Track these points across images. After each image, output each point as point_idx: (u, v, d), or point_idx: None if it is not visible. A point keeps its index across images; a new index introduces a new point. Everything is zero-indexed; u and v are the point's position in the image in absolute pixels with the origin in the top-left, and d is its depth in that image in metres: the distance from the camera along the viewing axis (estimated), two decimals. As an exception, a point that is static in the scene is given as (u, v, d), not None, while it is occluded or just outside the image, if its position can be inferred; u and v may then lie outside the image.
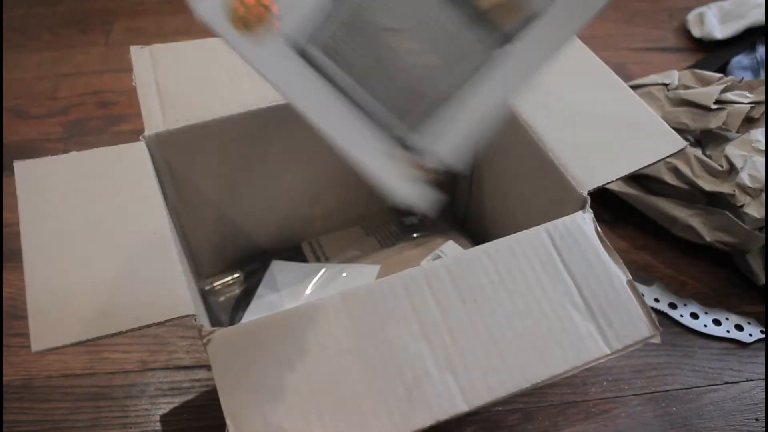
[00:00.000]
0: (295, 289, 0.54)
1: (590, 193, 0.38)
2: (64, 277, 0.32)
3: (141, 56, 0.46)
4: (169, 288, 0.32)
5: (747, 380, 0.51)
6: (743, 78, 0.61)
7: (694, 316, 0.55)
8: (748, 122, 0.58)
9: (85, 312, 0.30)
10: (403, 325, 0.33)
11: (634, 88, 0.62)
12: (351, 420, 0.31)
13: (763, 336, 0.53)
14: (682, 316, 0.55)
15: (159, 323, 0.30)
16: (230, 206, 0.51)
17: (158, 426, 0.49)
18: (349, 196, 0.57)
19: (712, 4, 0.87)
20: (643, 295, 0.36)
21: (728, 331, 0.54)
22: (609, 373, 0.51)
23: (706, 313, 0.55)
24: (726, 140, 0.57)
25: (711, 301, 0.56)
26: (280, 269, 0.56)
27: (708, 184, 0.55)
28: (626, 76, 0.72)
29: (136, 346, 0.53)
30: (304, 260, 0.57)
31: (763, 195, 0.53)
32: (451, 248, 0.54)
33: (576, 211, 0.38)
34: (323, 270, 0.55)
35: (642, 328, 0.35)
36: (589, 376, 0.51)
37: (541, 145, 0.42)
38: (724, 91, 0.59)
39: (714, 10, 0.85)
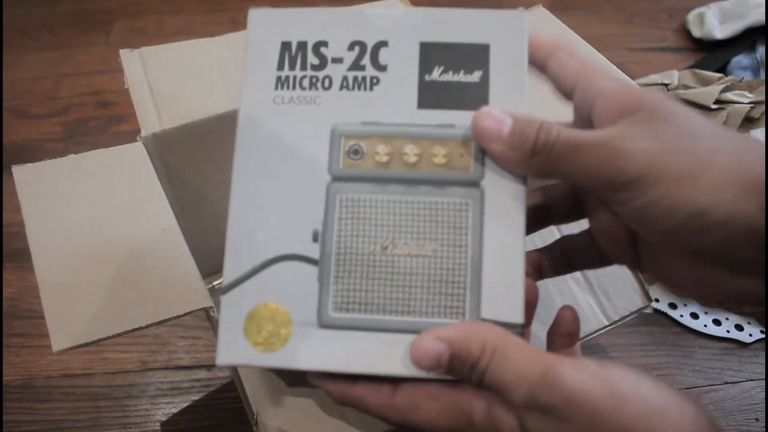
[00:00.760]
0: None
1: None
2: (77, 276, 0.32)
3: (131, 59, 0.46)
4: (184, 282, 0.32)
5: (747, 380, 0.51)
6: (743, 78, 0.61)
7: (694, 316, 0.55)
8: (748, 122, 0.58)
9: (102, 310, 0.30)
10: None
11: (634, 88, 0.62)
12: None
13: (763, 336, 0.53)
14: (682, 316, 0.55)
15: (178, 316, 0.30)
16: (227, 205, 0.51)
17: (158, 426, 0.49)
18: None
19: (712, 4, 0.87)
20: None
21: (728, 331, 0.54)
22: (609, 373, 0.51)
23: (706, 313, 0.55)
24: (726, 140, 0.57)
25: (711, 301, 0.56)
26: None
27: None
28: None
29: (136, 346, 0.53)
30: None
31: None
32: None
33: None
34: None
35: (636, 299, 0.37)
36: (589, 376, 0.51)
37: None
38: (724, 91, 0.59)
39: (714, 10, 0.85)
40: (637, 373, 0.24)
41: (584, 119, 0.26)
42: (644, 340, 0.53)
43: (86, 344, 0.28)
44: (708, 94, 0.58)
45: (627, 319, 0.37)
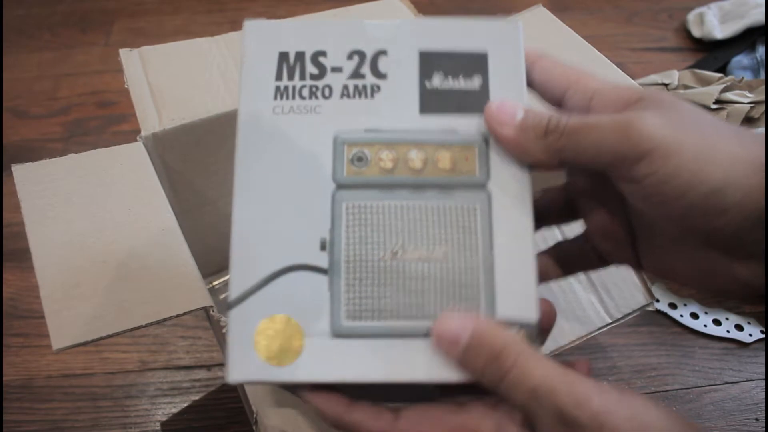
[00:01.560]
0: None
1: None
2: (77, 276, 0.32)
3: (131, 59, 0.46)
4: (185, 281, 0.32)
5: (747, 380, 0.51)
6: (743, 78, 0.61)
7: (694, 316, 0.55)
8: (748, 122, 0.58)
9: (102, 309, 0.30)
10: None
11: (634, 88, 0.62)
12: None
13: (763, 336, 0.53)
14: (682, 316, 0.55)
15: (178, 316, 0.30)
16: (227, 204, 0.51)
17: (158, 426, 0.49)
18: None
19: (712, 4, 0.87)
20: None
21: (728, 331, 0.54)
22: (609, 373, 0.51)
23: (706, 313, 0.55)
24: (726, 140, 0.57)
25: (711, 301, 0.56)
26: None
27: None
28: (626, 76, 0.72)
29: (136, 346, 0.53)
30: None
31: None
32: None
33: None
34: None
35: (638, 297, 0.37)
36: (589, 376, 0.51)
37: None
38: (724, 90, 0.59)
39: (714, 10, 0.85)
40: (652, 402, 0.23)
41: None
42: (644, 340, 0.53)
43: (86, 343, 0.28)
44: (708, 94, 0.58)
45: (630, 317, 0.37)
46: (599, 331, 0.36)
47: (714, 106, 0.58)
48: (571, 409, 0.22)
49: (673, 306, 0.55)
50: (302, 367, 0.25)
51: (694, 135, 0.22)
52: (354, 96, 0.27)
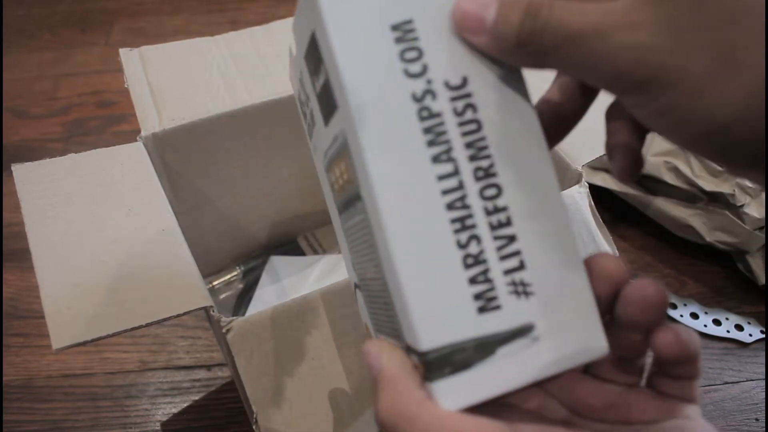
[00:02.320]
0: (298, 281, 0.54)
1: (590, 189, 0.39)
2: (77, 276, 0.32)
3: (131, 58, 0.46)
4: (184, 281, 0.32)
5: (747, 380, 0.51)
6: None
7: (694, 316, 0.55)
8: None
9: (102, 308, 0.30)
10: None
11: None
12: (370, 402, 0.31)
13: (763, 336, 0.53)
14: (682, 316, 0.55)
15: (178, 315, 0.30)
16: (227, 204, 0.51)
17: (158, 426, 0.49)
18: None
19: (712, 4, 0.87)
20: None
21: (728, 331, 0.54)
22: (609, 373, 0.51)
23: (706, 313, 0.55)
24: (726, 140, 0.57)
25: (711, 301, 0.56)
26: (279, 263, 0.56)
27: (708, 184, 0.55)
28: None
29: (136, 346, 0.53)
30: (302, 254, 0.57)
31: (763, 195, 0.53)
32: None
33: (571, 185, 0.39)
34: (323, 260, 0.55)
35: None
36: (589, 376, 0.51)
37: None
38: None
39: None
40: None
41: None
42: (644, 340, 0.53)
43: (86, 342, 0.28)
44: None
45: None
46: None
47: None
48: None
49: (673, 306, 0.55)
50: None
51: (708, 50, 0.17)
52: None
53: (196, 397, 0.50)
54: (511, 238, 0.21)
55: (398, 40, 0.20)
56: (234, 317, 0.31)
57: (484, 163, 0.21)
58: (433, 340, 0.20)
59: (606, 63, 0.18)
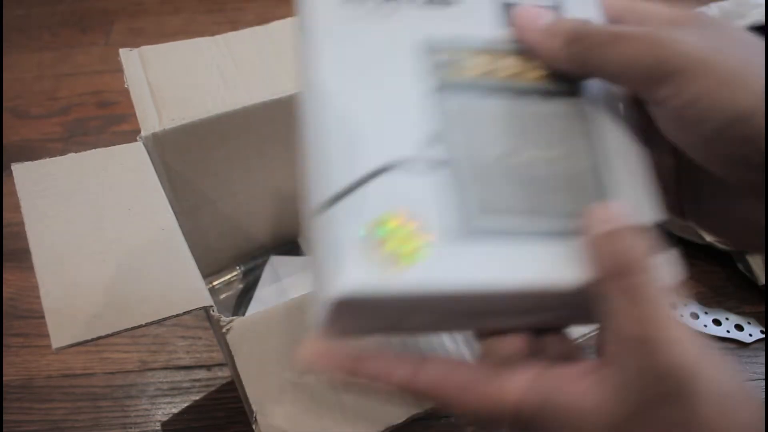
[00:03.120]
0: (298, 281, 0.54)
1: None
2: (77, 275, 0.32)
3: (131, 58, 0.46)
4: (184, 281, 0.32)
5: (747, 380, 0.51)
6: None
7: (694, 316, 0.55)
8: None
9: (101, 308, 0.30)
10: None
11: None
12: (372, 400, 0.31)
13: (763, 336, 0.53)
14: (682, 316, 0.54)
15: (178, 315, 0.30)
16: (227, 204, 0.51)
17: (158, 426, 0.49)
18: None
19: (712, 4, 0.87)
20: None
21: (728, 331, 0.54)
22: (609, 373, 0.51)
23: (706, 313, 0.55)
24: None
25: (711, 301, 0.56)
26: (279, 263, 0.56)
27: (708, 184, 0.55)
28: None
29: (136, 346, 0.53)
30: (302, 253, 0.57)
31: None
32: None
33: None
34: (323, 262, 0.55)
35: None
36: (589, 376, 0.51)
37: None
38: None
39: (714, 9, 0.85)
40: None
41: None
42: (644, 340, 0.53)
43: (86, 342, 0.28)
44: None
45: None
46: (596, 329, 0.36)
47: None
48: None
49: (672, 306, 0.55)
50: (426, 273, 0.20)
51: (729, 56, 0.21)
52: (432, 3, 0.25)
53: (196, 397, 0.50)
54: None
55: None
56: (234, 317, 0.31)
57: None
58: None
59: (647, 54, 0.21)
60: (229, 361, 0.33)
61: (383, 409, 0.31)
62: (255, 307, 0.53)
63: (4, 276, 0.58)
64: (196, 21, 0.90)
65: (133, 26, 0.89)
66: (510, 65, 0.25)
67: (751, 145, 0.20)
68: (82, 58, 0.84)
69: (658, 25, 0.22)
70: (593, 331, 0.36)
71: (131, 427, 0.48)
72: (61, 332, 0.29)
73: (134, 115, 0.43)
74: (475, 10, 0.26)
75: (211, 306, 0.31)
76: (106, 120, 0.75)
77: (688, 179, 0.26)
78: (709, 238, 0.56)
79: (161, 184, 0.37)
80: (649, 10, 0.24)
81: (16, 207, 0.35)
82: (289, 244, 0.58)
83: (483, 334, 0.24)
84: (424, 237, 0.21)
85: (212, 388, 0.51)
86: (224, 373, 0.51)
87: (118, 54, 0.46)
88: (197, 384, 0.51)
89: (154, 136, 0.42)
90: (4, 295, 0.57)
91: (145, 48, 0.47)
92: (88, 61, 0.83)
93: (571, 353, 0.24)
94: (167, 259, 0.33)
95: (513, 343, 0.23)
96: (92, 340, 0.28)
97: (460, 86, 0.24)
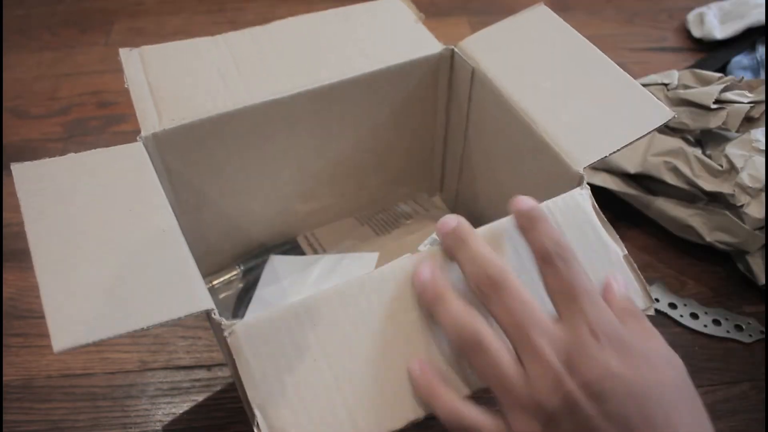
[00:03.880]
0: (298, 281, 0.54)
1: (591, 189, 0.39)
2: (77, 277, 0.32)
3: (131, 58, 0.46)
4: (185, 283, 0.32)
5: (747, 380, 0.51)
6: (743, 77, 0.61)
7: (694, 316, 0.55)
8: (748, 122, 0.58)
9: (102, 309, 0.30)
10: (416, 310, 0.33)
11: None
12: (375, 402, 0.31)
13: (763, 336, 0.53)
14: (682, 316, 0.55)
15: (179, 318, 0.30)
16: (227, 204, 0.51)
17: (158, 426, 0.49)
18: (342, 188, 0.57)
19: (712, 4, 0.87)
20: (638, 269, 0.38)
21: (728, 331, 0.54)
22: (609, 373, 0.51)
23: (706, 313, 0.55)
24: (726, 140, 0.57)
25: (711, 301, 0.56)
26: (279, 263, 0.56)
27: (708, 184, 0.55)
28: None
29: (136, 346, 0.53)
30: (302, 253, 0.58)
31: (763, 195, 0.53)
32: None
33: (572, 188, 0.38)
34: (323, 260, 0.55)
35: (638, 301, 0.36)
36: (589, 376, 0.51)
37: (534, 126, 0.42)
38: (724, 90, 0.59)
39: (714, 10, 0.85)
40: None
41: None
42: (644, 340, 0.53)
43: (86, 345, 0.28)
44: (708, 94, 0.58)
45: None
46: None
47: (714, 106, 0.58)
48: None
49: (673, 306, 0.55)
50: None
51: None
52: None
53: (197, 397, 0.50)
54: None
55: None
56: (235, 320, 0.31)
57: None
58: None
59: None
60: (230, 363, 0.33)
61: (383, 413, 0.31)
62: (255, 307, 0.53)
63: (4, 276, 0.58)
64: (196, 21, 0.90)
65: (133, 26, 0.89)
66: None
67: None
68: (82, 58, 0.84)
69: None
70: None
71: (131, 427, 0.48)
72: (61, 334, 0.29)
73: (134, 115, 0.43)
74: None
75: (213, 309, 0.31)
76: (106, 120, 0.75)
77: None
78: (709, 238, 0.56)
79: (161, 184, 0.37)
80: None
81: (16, 207, 0.35)
82: (289, 244, 0.58)
83: None
84: None
85: (212, 388, 0.51)
86: (224, 373, 0.51)
87: (118, 54, 0.46)
88: (197, 384, 0.51)
89: (154, 136, 0.42)
90: (4, 295, 0.57)
91: (145, 48, 0.47)
92: (88, 61, 0.83)
93: None
94: (167, 260, 0.33)
95: None
96: (93, 342, 0.28)
97: None
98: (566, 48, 0.46)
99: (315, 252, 0.58)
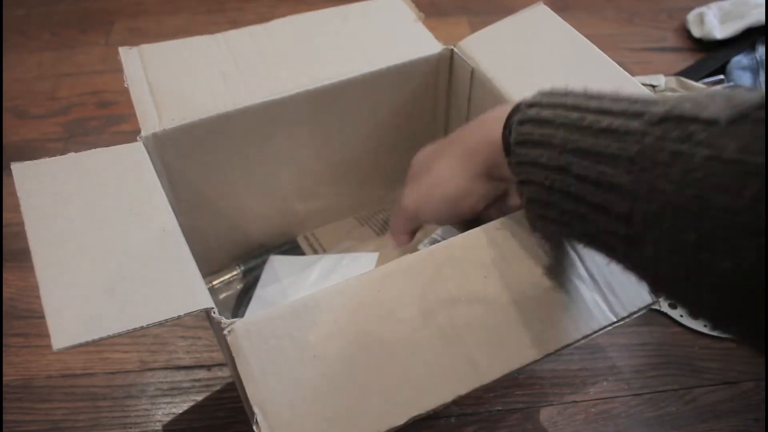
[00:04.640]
0: (298, 281, 0.54)
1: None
2: (77, 276, 0.32)
3: (130, 57, 0.46)
4: (185, 282, 0.32)
5: (747, 380, 0.51)
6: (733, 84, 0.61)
7: (694, 315, 0.55)
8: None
9: (102, 308, 0.30)
10: (415, 308, 0.33)
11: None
12: (375, 400, 0.31)
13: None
14: (682, 316, 0.55)
15: (179, 317, 0.30)
16: (227, 204, 0.51)
17: (158, 426, 0.49)
18: (342, 188, 0.57)
19: (712, 4, 0.87)
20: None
21: (728, 331, 0.53)
22: (609, 373, 0.51)
23: (706, 313, 0.55)
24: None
25: (711, 301, 0.56)
26: (279, 263, 0.56)
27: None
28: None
29: (136, 346, 0.53)
30: (302, 253, 0.58)
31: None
32: (447, 231, 0.55)
33: None
34: (323, 260, 0.55)
35: (644, 295, 0.36)
36: (589, 376, 0.51)
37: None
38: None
39: (714, 10, 0.85)
40: None
41: None
42: (644, 340, 0.53)
43: (86, 343, 0.28)
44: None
45: (635, 315, 0.36)
46: (606, 330, 0.35)
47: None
48: None
49: (673, 306, 0.55)
50: None
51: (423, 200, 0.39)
52: None
53: (197, 397, 0.50)
54: None
55: None
56: (234, 318, 0.31)
57: None
58: None
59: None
60: (230, 362, 0.33)
61: (383, 410, 0.31)
62: (255, 307, 0.53)
63: (4, 276, 0.58)
64: (196, 21, 0.90)
65: (133, 26, 0.89)
66: None
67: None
68: (82, 58, 0.84)
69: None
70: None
71: (131, 427, 0.48)
72: (61, 332, 0.29)
73: (134, 115, 0.43)
74: None
75: (212, 308, 0.31)
76: (106, 120, 0.75)
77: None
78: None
79: (161, 184, 0.37)
80: None
81: (16, 207, 0.35)
82: (289, 244, 0.58)
83: None
84: None
85: (212, 388, 0.51)
86: (224, 373, 0.51)
87: (118, 54, 0.46)
88: (197, 384, 0.51)
89: (154, 136, 0.42)
90: (4, 295, 0.57)
91: (144, 46, 0.47)
92: (88, 61, 0.83)
93: None
94: (167, 260, 0.33)
95: None
96: (93, 341, 0.28)
97: None
98: (566, 48, 0.46)
99: (315, 252, 0.58)
